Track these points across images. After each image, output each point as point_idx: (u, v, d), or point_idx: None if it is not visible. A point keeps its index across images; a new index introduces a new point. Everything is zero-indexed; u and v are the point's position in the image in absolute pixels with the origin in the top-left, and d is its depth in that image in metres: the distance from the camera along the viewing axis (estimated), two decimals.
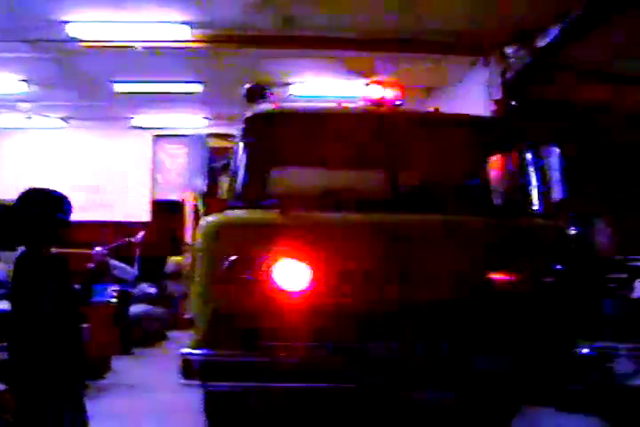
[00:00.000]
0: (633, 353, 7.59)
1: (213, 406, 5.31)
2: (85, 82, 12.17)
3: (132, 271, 12.50)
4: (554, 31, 8.64)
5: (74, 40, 9.72)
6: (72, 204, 3.84)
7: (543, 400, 6.78)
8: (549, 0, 8.32)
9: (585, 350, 4.83)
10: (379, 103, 5.65)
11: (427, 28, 9.29)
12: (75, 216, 3.89)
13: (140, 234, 13.45)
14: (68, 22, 9.22)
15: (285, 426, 6.22)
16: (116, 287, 10.30)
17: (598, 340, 9.78)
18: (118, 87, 12.28)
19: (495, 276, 4.64)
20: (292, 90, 11.91)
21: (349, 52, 10.20)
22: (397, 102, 5.69)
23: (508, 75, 9.68)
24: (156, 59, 10.62)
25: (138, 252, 13.32)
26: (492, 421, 5.97)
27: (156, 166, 16.31)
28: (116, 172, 15.92)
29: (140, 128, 15.64)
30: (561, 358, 4.71)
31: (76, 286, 3.91)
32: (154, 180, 16.31)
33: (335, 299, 4.49)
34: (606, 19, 8.06)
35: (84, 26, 9.34)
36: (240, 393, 5.30)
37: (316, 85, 11.93)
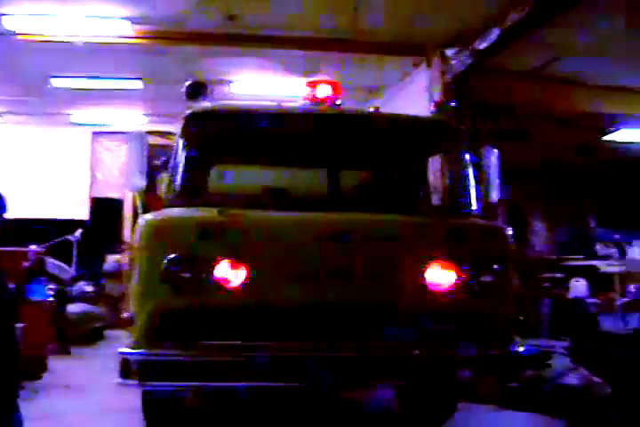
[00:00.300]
0: (569, 351, 7.75)
1: (151, 406, 5.27)
2: (23, 76, 11.96)
3: (69, 270, 12.35)
4: (493, 34, 8.76)
5: (10, 33, 9.55)
6: (6, 201, 3.78)
7: (483, 398, 6.90)
8: (490, 3, 8.44)
9: (521, 349, 4.90)
10: (319, 102, 5.66)
11: (369, 28, 9.35)
12: (10, 214, 3.82)
13: (78, 232, 13.31)
14: (5, 15, 9.06)
15: (224, 426, 6.19)
16: (52, 286, 10.16)
17: (535, 338, 9.97)
18: (57, 82, 12.09)
19: (432, 275, 4.69)
20: (232, 88, 11.88)
21: (291, 51, 10.21)
22: (337, 102, 5.71)
23: (449, 76, 9.80)
24: (97, 54, 10.48)
25: (76, 250, 13.16)
26: (429, 420, 6.02)
27: (94, 163, 16.11)
28: (53, 168, 15.66)
29: (79, 124, 15.42)
30: (498, 357, 4.77)
31: (11, 285, 3.84)
32: (93, 177, 16.09)
33: (273, 298, 4.49)
34: (545, 22, 8.20)
35: (21, 19, 9.18)
36: (178, 393, 5.28)
37: (257, 84, 11.92)
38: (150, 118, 14.65)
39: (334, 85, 5.78)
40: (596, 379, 6.76)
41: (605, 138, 13.18)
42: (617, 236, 13.59)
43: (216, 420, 6.24)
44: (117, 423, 6.24)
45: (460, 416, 6.00)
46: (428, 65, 10.31)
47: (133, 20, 9.33)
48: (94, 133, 15.99)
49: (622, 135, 12.96)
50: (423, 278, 4.67)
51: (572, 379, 6.83)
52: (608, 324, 10.86)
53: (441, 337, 4.70)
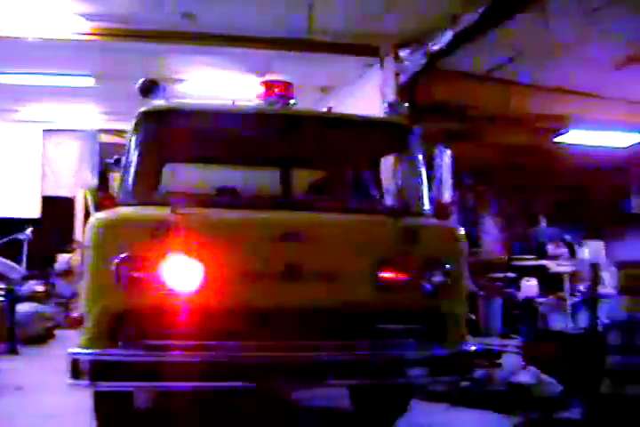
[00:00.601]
0: (520, 350, 7.83)
1: (102, 407, 5.21)
2: None
3: (19, 269, 12.17)
4: (447, 35, 8.83)
5: None
6: None
7: (435, 397, 6.95)
8: (444, 4, 8.50)
9: (473, 348, 4.95)
10: (272, 102, 5.66)
11: (324, 28, 9.36)
12: None
13: (29, 231, 13.13)
14: None
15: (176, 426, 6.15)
16: (1, 286, 10.03)
17: (487, 337, 10.07)
18: (7, 79, 11.91)
19: (385, 275, 4.72)
20: (187, 86, 11.81)
21: (245, 49, 10.18)
22: (291, 101, 5.71)
23: (402, 77, 9.86)
24: (49, 51, 10.34)
25: (26, 249, 12.99)
26: (381, 419, 6.05)
27: (45, 161, 15.90)
28: (3, 166, 15.42)
29: (30, 122, 15.21)
30: (449, 356, 4.82)
31: None
32: (44, 175, 15.89)
33: (224, 298, 4.48)
34: (499, 23, 8.28)
35: None
36: (129, 393, 5.25)
37: (212, 83, 11.87)
38: (104, 116, 14.51)
39: (288, 85, 5.78)
40: (546, 378, 6.85)
41: (556, 139, 13.35)
42: (567, 236, 13.76)
43: (167, 420, 6.20)
44: (68, 425, 6.17)
45: (412, 415, 6.04)
46: (382, 65, 10.36)
47: (88, 17, 9.23)
48: (45, 131, 15.79)
49: (572, 137, 13.13)
50: (375, 278, 4.70)
51: (522, 378, 6.91)
52: (558, 323, 11.02)
53: (392, 337, 4.74)
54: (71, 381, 4.29)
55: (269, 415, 6.31)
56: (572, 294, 11.57)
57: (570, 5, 8.01)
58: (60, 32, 9.56)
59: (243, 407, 6.42)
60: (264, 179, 5.88)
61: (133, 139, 5.21)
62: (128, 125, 5.38)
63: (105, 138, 6.12)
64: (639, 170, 16.50)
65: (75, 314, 4.64)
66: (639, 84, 10.86)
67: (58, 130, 15.53)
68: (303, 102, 5.99)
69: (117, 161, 5.54)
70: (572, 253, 13.16)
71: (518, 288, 11.90)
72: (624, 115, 12.14)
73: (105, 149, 5.47)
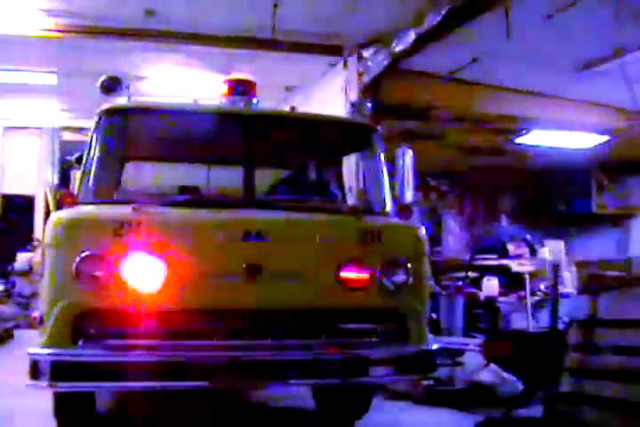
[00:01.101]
0: (481, 349, 7.88)
1: (63, 408, 5.16)
2: None
3: None
4: (410, 35, 8.86)
5: None
6: None
7: (397, 395, 6.99)
8: (408, 4, 8.53)
9: (435, 346, 4.97)
10: (235, 101, 5.64)
11: (287, 27, 9.35)
12: None
13: None
14: None
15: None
16: None
17: (449, 336, 10.12)
18: None
19: (346, 274, 4.73)
20: (150, 84, 11.73)
21: (209, 48, 10.14)
22: (254, 100, 5.70)
23: (366, 77, 9.88)
24: (9, 46, 10.21)
25: None
26: (344, 417, 6.07)
27: (5, 159, 15.68)
28: None
29: None
30: (411, 355, 4.84)
31: None
32: (3, 173, 15.67)
33: (185, 297, 4.46)
34: (462, 24, 8.33)
35: None
36: (90, 394, 5.20)
37: (175, 80, 11.80)
38: (66, 114, 14.34)
39: (251, 84, 5.77)
40: (507, 376, 6.91)
41: (517, 140, 13.48)
42: (528, 236, 13.88)
43: (128, 421, 6.16)
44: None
45: (374, 414, 6.06)
46: (346, 65, 10.38)
47: (50, 13, 9.13)
48: (5, 128, 15.58)
49: (533, 138, 13.26)
50: (337, 278, 4.72)
51: (484, 376, 6.97)
52: (519, 322, 11.11)
53: (355, 336, 4.76)
54: (31, 381, 4.25)
55: (230, 415, 6.30)
56: (532, 294, 11.67)
57: (532, 7, 8.08)
58: (22, 28, 9.44)
59: (203, 408, 6.40)
60: (226, 178, 5.86)
61: (94, 137, 5.17)
62: (90, 123, 5.34)
63: (66, 136, 6.07)
64: (600, 171, 16.70)
65: (35, 314, 4.59)
66: (601, 86, 10.99)
67: (18, 127, 15.33)
68: (267, 101, 5.99)
69: (78, 159, 5.49)
70: (533, 253, 13.27)
71: (480, 288, 11.98)
72: (586, 116, 12.28)
73: (66, 147, 5.43)
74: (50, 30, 9.53)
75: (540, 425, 5.61)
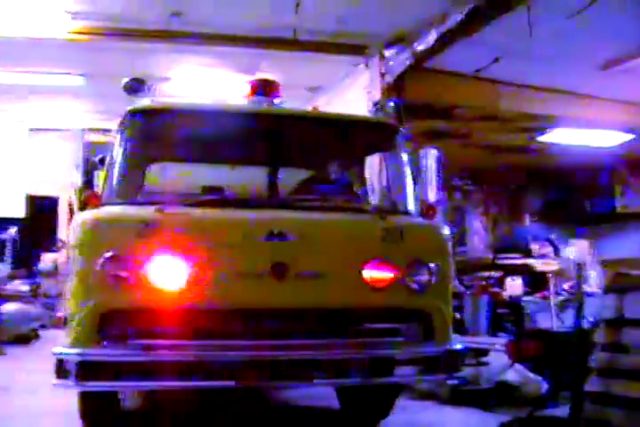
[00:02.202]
0: (506, 348, 7.84)
1: (88, 408, 5.19)
2: None
3: (3, 269, 12.14)
4: (433, 35, 8.84)
5: None
6: None
7: (421, 395, 6.97)
8: (430, 4, 8.51)
9: (459, 346, 4.96)
10: (259, 101, 5.65)
11: (310, 27, 9.36)
12: None
13: (13, 230, 13.09)
14: None
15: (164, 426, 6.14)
16: None
17: (473, 336, 10.08)
18: None
19: (371, 274, 4.72)
20: (174, 85, 11.78)
21: (232, 48, 10.17)
22: (278, 100, 5.71)
23: (388, 77, 9.87)
24: (36, 49, 10.28)
25: (11, 248, 12.94)
26: (368, 417, 6.06)
27: (31, 160, 15.80)
28: None
29: (16, 120, 15.13)
30: (436, 355, 4.83)
31: None
32: (29, 174, 15.79)
33: (209, 297, 4.47)
34: (485, 23, 8.30)
35: None
36: (116, 393, 5.23)
37: (199, 81, 11.84)
38: (91, 115, 14.44)
39: (274, 84, 5.78)
40: (532, 376, 6.88)
41: (540, 138, 13.41)
42: (553, 235, 13.81)
43: (154, 421, 6.18)
44: (54, 426, 6.14)
45: (399, 414, 6.05)
46: (368, 65, 10.37)
47: (76, 16, 9.19)
48: (32, 130, 15.71)
49: (557, 136, 13.19)
50: (361, 277, 4.71)
51: (509, 376, 6.93)
52: (544, 321, 11.05)
53: (379, 335, 4.75)
54: (57, 381, 4.28)
55: (255, 415, 6.31)
56: (557, 293, 11.61)
57: (555, 5, 8.03)
58: (48, 31, 9.52)
59: (229, 408, 6.41)
60: (250, 178, 5.87)
61: (119, 138, 5.19)
62: (114, 124, 5.37)
63: (91, 137, 6.11)
64: (625, 169, 16.57)
65: (60, 314, 4.62)
66: (626, 84, 10.92)
67: (44, 129, 15.46)
68: (290, 102, 5.99)
69: (102, 160, 5.52)
70: (557, 252, 13.20)
71: (504, 287, 11.93)
72: (610, 114, 12.20)
73: (91, 148, 5.46)
74: (76, 33, 9.60)
75: (566, 426, 5.57)
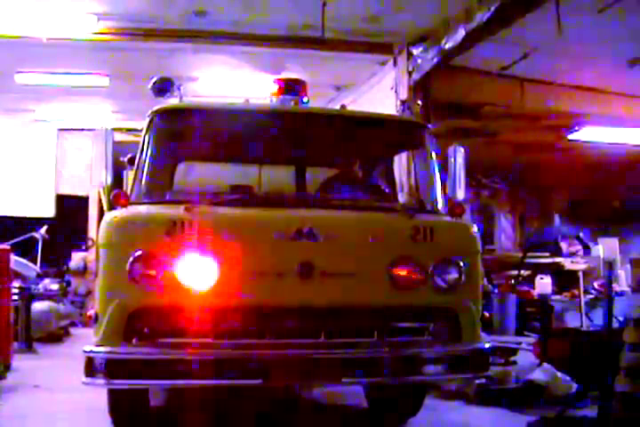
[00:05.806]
0: (534, 347, 7.81)
1: (118, 406, 5.24)
2: None
3: (34, 267, 12.24)
4: (460, 32, 8.79)
5: None
6: None
7: (449, 394, 6.95)
8: (457, 1, 8.48)
9: (487, 345, 4.94)
10: (286, 100, 5.66)
11: (337, 26, 9.35)
12: None
13: (44, 229, 13.20)
14: None
15: (190, 424, 6.16)
16: (17, 284, 10.07)
17: (501, 335, 10.04)
18: (21, 78, 11.93)
19: (399, 272, 4.72)
20: (200, 85, 11.81)
21: (259, 48, 10.18)
22: (305, 99, 5.71)
23: (415, 75, 9.83)
24: (63, 50, 10.36)
25: (41, 247, 13.05)
26: (395, 416, 6.05)
27: (60, 160, 15.93)
28: (18, 165, 15.47)
29: (44, 121, 15.26)
30: (464, 354, 4.81)
31: None
32: (58, 174, 15.92)
33: (238, 296, 4.48)
34: (512, 20, 8.25)
35: None
36: (144, 391, 5.26)
37: (225, 81, 11.86)
38: (118, 115, 14.53)
39: (301, 83, 5.79)
40: (561, 375, 6.83)
41: (570, 137, 13.31)
42: (581, 233, 13.73)
43: (182, 419, 6.21)
44: (85, 424, 6.18)
45: (426, 412, 6.04)
46: (395, 63, 10.34)
47: (101, 16, 9.24)
48: (60, 130, 15.83)
49: (586, 134, 13.08)
50: (390, 276, 4.70)
51: (537, 375, 6.90)
52: (572, 320, 10.99)
53: (408, 334, 4.74)
54: (86, 379, 4.31)
55: (283, 413, 6.32)
56: (586, 292, 11.54)
57: (582, 2, 7.97)
58: (74, 32, 9.57)
59: (256, 406, 6.42)
60: (278, 177, 5.89)
61: (147, 138, 5.23)
62: (142, 124, 5.40)
63: (119, 137, 6.14)
64: None
65: (89, 312, 4.64)
66: None
67: (72, 129, 15.57)
68: (317, 101, 5.99)
69: (131, 160, 5.55)
70: (587, 251, 13.12)
71: (533, 286, 11.88)
72: (639, 111, 12.08)
73: (119, 148, 5.49)
74: (101, 33, 9.64)
75: (594, 426, 5.53)
